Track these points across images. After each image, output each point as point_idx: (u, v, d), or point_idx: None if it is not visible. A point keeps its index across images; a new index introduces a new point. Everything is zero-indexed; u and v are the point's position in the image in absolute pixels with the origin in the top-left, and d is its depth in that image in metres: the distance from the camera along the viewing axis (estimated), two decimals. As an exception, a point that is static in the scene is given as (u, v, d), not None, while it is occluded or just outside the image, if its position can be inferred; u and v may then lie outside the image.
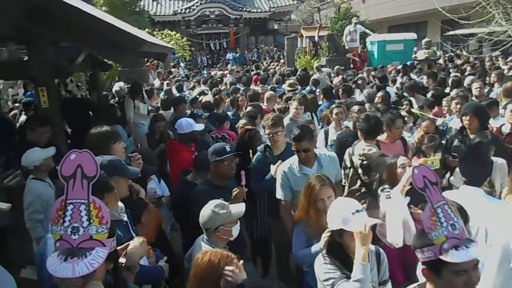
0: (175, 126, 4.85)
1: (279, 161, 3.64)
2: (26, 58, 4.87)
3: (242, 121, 5.24)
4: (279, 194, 3.48)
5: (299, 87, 8.67)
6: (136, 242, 2.17)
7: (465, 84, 7.57)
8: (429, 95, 6.47)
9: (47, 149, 3.73)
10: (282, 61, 19.80)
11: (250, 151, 4.09)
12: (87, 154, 1.58)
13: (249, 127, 4.52)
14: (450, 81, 8.03)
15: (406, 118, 5.24)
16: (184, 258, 2.81)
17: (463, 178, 2.90)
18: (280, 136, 3.90)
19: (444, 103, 5.98)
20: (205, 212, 2.57)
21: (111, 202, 2.28)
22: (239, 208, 2.69)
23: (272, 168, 3.67)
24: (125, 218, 2.45)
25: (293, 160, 3.48)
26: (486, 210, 2.55)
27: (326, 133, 5.36)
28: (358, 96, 7.82)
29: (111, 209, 2.31)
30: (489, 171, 2.96)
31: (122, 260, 2.11)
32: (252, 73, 13.75)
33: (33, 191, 3.56)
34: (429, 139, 4.32)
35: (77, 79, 6.27)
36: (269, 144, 3.96)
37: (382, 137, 4.29)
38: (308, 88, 8.52)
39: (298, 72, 10.42)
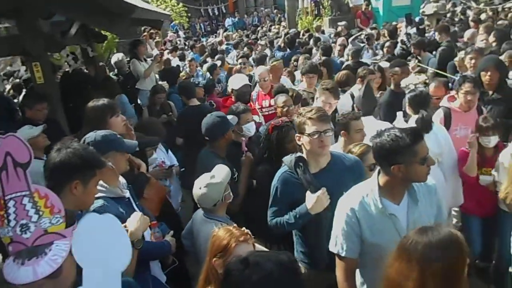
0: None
1: (323, 188, 2.30)
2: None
3: (280, 99, 3.86)
4: (338, 246, 2.11)
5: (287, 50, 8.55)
6: (133, 218, 2.08)
7: (465, 38, 7.03)
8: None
9: (33, 129, 3.45)
10: (283, 24, 19.15)
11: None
12: (13, 138, 1.37)
13: (279, 122, 3.05)
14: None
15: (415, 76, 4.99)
16: (182, 236, 2.69)
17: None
18: (329, 139, 2.37)
19: (456, 58, 5.68)
20: (205, 190, 2.44)
21: (108, 179, 2.20)
22: (222, 168, 2.58)
23: (309, 197, 2.31)
24: (127, 195, 2.36)
25: (368, 188, 2.07)
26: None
27: (353, 97, 4.65)
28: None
29: (112, 186, 2.25)
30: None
31: None
32: (252, 37, 13.32)
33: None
34: (483, 119, 3.30)
35: (72, 52, 6.05)
36: (304, 155, 2.44)
37: (455, 104, 3.65)
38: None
39: (289, 34, 10.16)
